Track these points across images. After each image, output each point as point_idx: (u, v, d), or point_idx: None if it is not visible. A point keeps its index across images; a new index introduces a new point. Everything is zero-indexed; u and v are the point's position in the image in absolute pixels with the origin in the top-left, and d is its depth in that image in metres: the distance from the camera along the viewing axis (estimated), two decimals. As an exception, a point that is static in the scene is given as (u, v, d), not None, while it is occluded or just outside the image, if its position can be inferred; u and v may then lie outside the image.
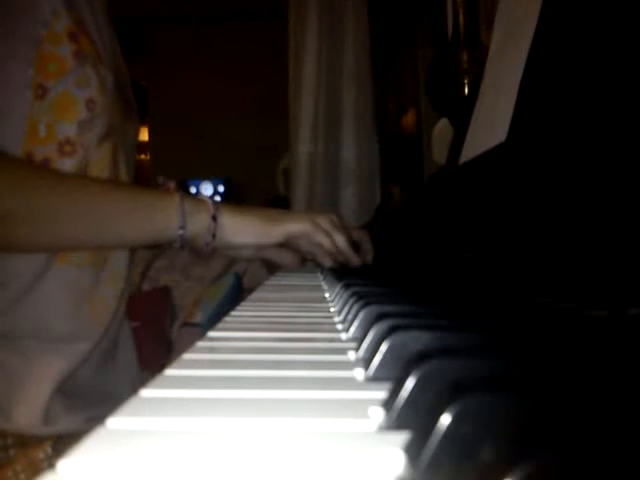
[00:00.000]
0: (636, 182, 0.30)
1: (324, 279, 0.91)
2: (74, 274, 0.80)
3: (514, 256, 0.47)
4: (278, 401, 0.26)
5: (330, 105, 2.08)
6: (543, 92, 0.53)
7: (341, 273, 0.86)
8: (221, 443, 0.21)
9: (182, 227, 0.74)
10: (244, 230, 0.79)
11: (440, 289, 0.68)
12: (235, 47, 3.99)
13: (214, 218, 0.76)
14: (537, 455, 0.14)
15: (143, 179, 3.24)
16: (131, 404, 0.25)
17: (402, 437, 0.20)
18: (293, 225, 0.82)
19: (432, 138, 1.26)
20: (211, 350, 0.38)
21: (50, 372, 0.78)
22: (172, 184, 0.90)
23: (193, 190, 4.09)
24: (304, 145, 2.09)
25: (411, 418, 0.22)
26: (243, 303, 0.62)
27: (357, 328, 0.41)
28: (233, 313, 0.54)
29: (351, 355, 0.36)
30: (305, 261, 0.96)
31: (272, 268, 1.34)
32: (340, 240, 0.85)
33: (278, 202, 2.91)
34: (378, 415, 0.23)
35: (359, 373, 0.31)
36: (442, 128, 1.14)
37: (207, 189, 4.11)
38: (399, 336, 0.30)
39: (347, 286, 0.60)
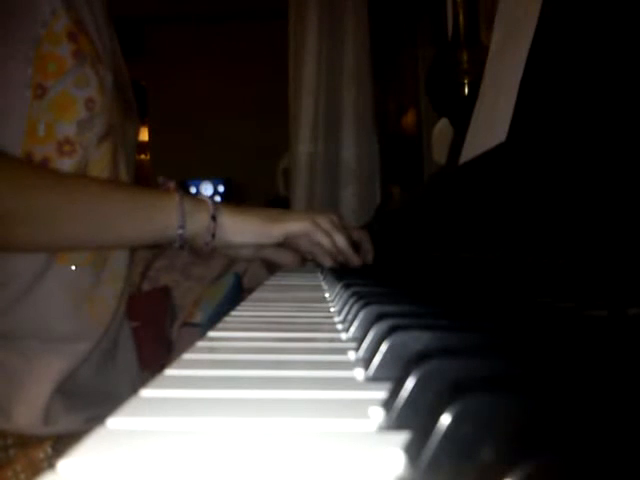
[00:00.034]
0: (636, 182, 0.30)
1: (324, 279, 0.91)
2: (74, 274, 0.80)
3: (514, 256, 0.47)
4: (278, 401, 0.26)
5: (330, 105, 2.08)
6: (543, 92, 0.53)
7: (341, 273, 0.86)
8: (221, 443, 0.21)
9: (182, 227, 0.74)
10: (244, 229, 0.80)
11: (440, 289, 0.68)
12: (235, 47, 3.99)
13: (214, 218, 0.76)
14: (537, 455, 0.14)
15: (143, 179, 3.24)
16: (131, 404, 0.25)
17: (402, 437, 0.20)
18: (293, 224, 0.82)
19: (432, 138, 1.26)
20: (211, 350, 0.38)
21: (50, 372, 0.78)
22: (172, 184, 0.90)
23: (193, 190, 4.09)
24: (304, 145, 2.09)
25: (411, 418, 0.22)
26: (243, 303, 0.62)
27: (357, 328, 0.41)
28: (233, 313, 0.54)
29: (351, 355, 0.36)
30: (305, 261, 0.96)
31: (272, 268, 1.34)
32: (340, 240, 0.85)
33: (278, 202, 2.91)
34: (378, 415, 0.23)
35: (359, 373, 0.31)
36: (442, 128, 1.14)
37: (207, 189, 4.11)
38: (399, 336, 0.30)
39: (347, 286, 0.60)
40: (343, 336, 0.42)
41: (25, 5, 0.75)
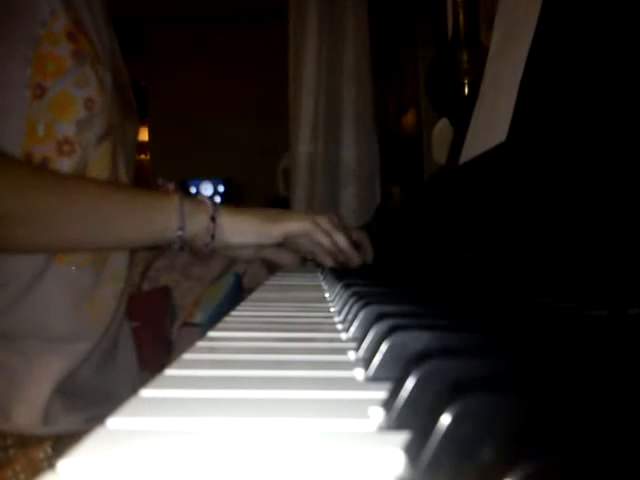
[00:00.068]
0: (636, 182, 0.30)
1: (324, 279, 0.91)
2: (74, 274, 0.80)
3: (514, 256, 0.47)
4: (278, 401, 0.26)
5: (330, 105, 2.08)
6: (543, 92, 0.53)
7: (341, 273, 0.86)
8: (221, 443, 0.21)
9: (181, 228, 0.74)
10: (243, 230, 0.79)
11: (440, 289, 0.68)
12: (235, 47, 3.99)
13: (213, 219, 0.76)
14: (537, 455, 0.14)
15: (143, 179, 3.24)
16: (131, 404, 0.25)
17: (402, 437, 0.20)
18: (292, 224, 0.82)
19: (432, 138, 1.26)
20: (211, 350, 0.38)
21: (50, 372, 0.78)
22: (171, 185, 0.90)
23: (193, 190, 4.09)
24: (304, 145, 2.09)
25: (411, 418, 0.22)
26: (243, 303, 0.62)
27: (357, 328, 0.41)
28: (233, 313, 0.54)
29: (351, 355, 0.36)
30: (305, 261, 0.96)
31: (272, 268, 1.34)
32: (340, 239, 0.85)
33: (278, 202, 2.91)
34: (378, 415, 0.23)
35: (359, 373, 0.31)
36: (442, 128, 1.14)
37: (207, 189, 4.11)
38: (399, 336, 0.30)
39: (347, 286, 0.60)
40: (343, 336, 0.42)
41: (24, 5, 0.75)
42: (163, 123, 4.04)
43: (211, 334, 0.43)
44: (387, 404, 0.23)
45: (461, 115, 0.87)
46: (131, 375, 0.94)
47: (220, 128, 3.95)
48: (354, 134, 2.07)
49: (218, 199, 4.08)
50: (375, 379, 0.29)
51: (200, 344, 0.39)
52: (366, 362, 0.31)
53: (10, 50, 0.74)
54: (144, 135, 4.03)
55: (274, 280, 0.95)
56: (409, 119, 2.10)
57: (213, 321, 0.96)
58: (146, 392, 0.27)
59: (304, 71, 2.08)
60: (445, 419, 0.18)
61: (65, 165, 0.77)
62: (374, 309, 0.41)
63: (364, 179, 2.09)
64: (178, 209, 0.74)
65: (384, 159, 2.19)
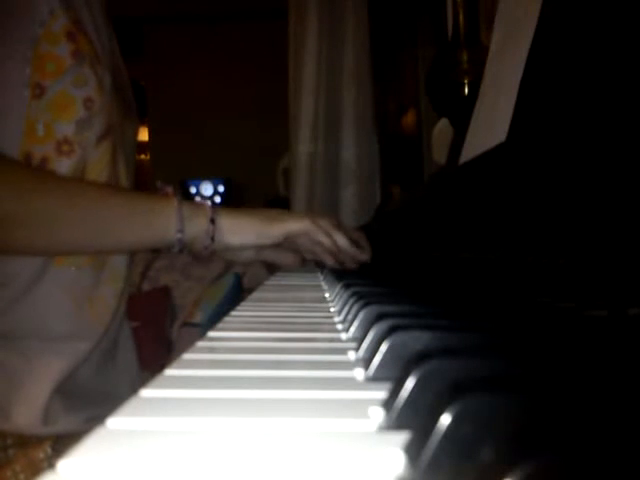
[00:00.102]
0: (636, 182, 0.30)
1: (324, 279, 0.91)
2: (73, 275, 0.80)
3: (514, 256, 0.47)
4: (278, 401, 0.26)
5: (330, 105, 2.08)
6: (543, 92, 0.53)
7: (341, 273, 0.86)
8: (221, 443, 0.21)
9: (180, 231, 0.74)
10: (243, 231, 0.79)
11: (440, 289, 0.68)
12: (235, 47, 3.99)
13: (212, 221, 0.76)
14: (537, 455, 0.14)
15: (142, 180, 3.24)
16: (131, 404, 0.25)
17: (402, 437, 0.20)
18: (292, 224, 0.82)
19: (432, 138, 1.26)
20: (211, 350, 0.38)
21: (50, 372, 0.78)
22: (170, 189, 0.90)
23: (193, 190, 4.09)
24: (304, 145, 2.09)
25: (411, 418, 0.22)
26: (243, 303, 0.62)
27: (357, 328, 0.42)
28: (233, 313, 0.54)
29: (351, 355, 0.36)
30: (305, 261, 0.96)
31: (272, 268, 1.34)
32: (340, 238, 0.85)
33: (278, 202, 2.91)
34: (378, 415, 0.23)
35: (359, 373, 0.31)
36: (442, 128, 1.14)
37: (207, 189, 4.11)
38: (399, 336, 0.30)
39: (347, 286, 0.60)
40: (343, 336, 0.42)
41: (23, 5, 0.75)
42: (163, 123, 4.04)
43: (211, 334, 0.43)
44: (387, 404, 0.23)
45: (461, 115, 0.87)
46: (131, 375, 0.93)
47: (220, 128, 3.95)
48: (354, 134, 2.07)
49: (218, 199, 4.08)
50: (375, 379, 0.29)
51: (200, 344, 0.39)
52: (366, 362, 0.31)
53: (9, 50, 0.74)
54: (144, 135, 4.03)
55: (274, 280, 0.95)
56: (409, 119, 2.10)
57: (213, 321, 0.96)
58: (146, 392, 0.27)
59: (304, 71, 2.08)
60: (445, 419, 0.18)
61: (64, 165, 0.77)
62: (374, 309, 0.41)
63: (364, 179, 2.09)
64: (177, 212, 0.74)
65: (384, 159, 2.19)
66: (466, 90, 0.96)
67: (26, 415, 0.76)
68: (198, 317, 1.80)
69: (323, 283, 0.86)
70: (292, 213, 0.91)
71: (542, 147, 0.42)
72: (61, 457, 0.19)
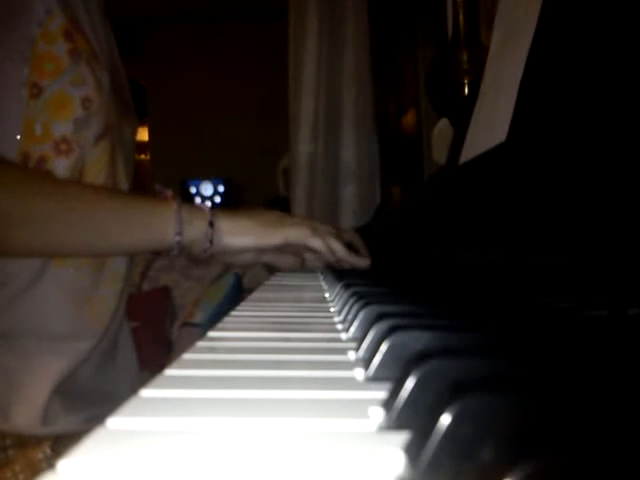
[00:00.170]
0: (636, 182, 0.30)
1: (324, 279, 0.91)
2: (73, 274, 0.80)
3: (514, 256, 0.47)
4: (278, 401, 0.26)
5: (330, 105, 2.08)
6: (543, 92, 0.53)
7: (341, 273, 0.86)
8: (221, 443, 0.21)
9: (179, 234, 0.74)
10: (242, 233, 0.79)
11: (440, 289, 0.68)
12: (235, 47, 3.99)
13: (211, 224, 0.76)
14: (537, 455, 0.14)
15: (142, 180, 3.24)
16: (131, 404, 0.25)
17: (402, 437, 0.20)
18: (291, 231, 0.82)
19: (432, 138, 1.26)
20: (211, 350, 0.38)
21: (49, 372, 0.78)
22: (169, 191, 0.90)
23: (193, 190, 4.09)
24: (304, 145, 2.09)
25: (411, 418, 0.22)
26: (243, 303, 0.62)
27: (357, 328, 0.41)
28: (233, 313, 0.54)
29: (351, 355, 0.35)
30: (305, 264, 0.96)
31: (272, 268, 1.35)
32: (338, 247, 0.85)
33: (278, 202, 2.91)
34: (378, 415, 0.23)
35: (359, 373, 0.31)
36: (442, 128, 1.14)
37: (207, 189, 4.11)
38: (399, 336, 0.30)
39: (347, 286, 0.60)
40: (343, 336, 0.42)
41: (20, 5, 0.75)
42: (163, 123, 4.04)
43: (211, 334, 0.42)
44: (387, 404, 0.23)
45: (461, 115, 0.87)
46: (131, 375, 0.93)
47: (220, 128, 3.95)
48: (354, 134, 2.07)
49: (218, 199, 4.08)
50: (375, 379, 0.29)
51: (200, 344, 0.39)
52: (366, 362, 0.31)
53: (7, 50, 0.74)
54: (144, 135, 4.03)
55: (274, 280, 0.95)
56: (409, 119, 2.10)
57: (213, 321, 0.96)
58: (146, 392, 0.27)
59: (304, 71, 2.08)
60: (445, 419, 0.18)
61: (62, 164, 0.77)
62: (374, 309, 0.41)
63: (364, 179, 2.09)
64: (176, 215, 0.74)
65: (384, 159, 2.19)
66: (466, 90, 0.96)
67: (25, 415, 0.76)
68: (198, 317, 1.80)
69: (323, 283, 0.86)
70: (292, 218, 0.90)
71: (542, 147, 0.42)
72: (60, 457, 0.19)
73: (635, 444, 0.14)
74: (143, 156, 4.10)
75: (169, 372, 0.31)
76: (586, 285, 0.35)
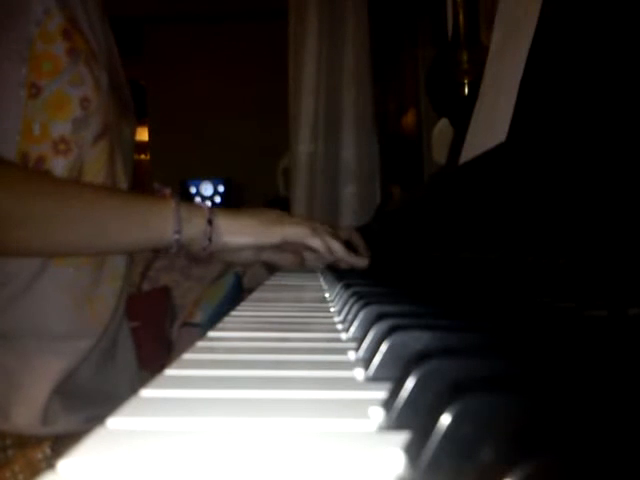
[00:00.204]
0: (636, 182, 0.30)
1: (324, 279, 0.91)
2: (72, 274, 0.80)
3: (514, 256, 0.47)
4: (278, 401, 0.26)
5: (330, 105, 2.08)
6: (543, 92, 0.53)
7: (341, 273, 0.86)
8: (221, 443, 0.21)
9: (178, 232, 0.74)
10: (241, 231, 0.79)
11: (440, 289, 0.68)
12: (235, 47, 3.99)
13: (210, 222, 0.76)
14: (537, 455, 0.14)
15: (141, 180, 3.24)
16: (131, 404, 0.25)
17: (402, 437, 0.20)
18: (290, 229, 0.82)
19: (432, 138, 1.26)
20: (211, 350, 0.38)
21: (49, 372, 0.78)
22: (168, 190, 0.90)
23: (193, 190, 4.08)
24: (304, 145, 2.09)
25: (411, 418, 0.22)
26: (243, 303, 0.62)
27: (357, 328, 0.41)
28: (233, 313, 0.54)
29: (351, 355, 0.36)
30: (305, 262, 0.96)
31: (272, 268, 1.35)
32: (337, 247, 0.85)
33: (278, 202, 2.91)
34: (378, 415, 0.23)
35: (359, 373, 0.31)
36: (442, 128, 1.14)
37: (207, 189, 4.11)
38: (399, 336, 0.30)
39: (347, 286, 0.60)
40: (343, 336, 0.42)
41: (18, 5, 0.75)
42: (163, 123, 4.04)
43: (211, 334, 0.43)
44: (387, 404, 0.23)
45: (461, 115, 0.87)
46: (130, 375, 0.93)
47: (220, 128, 3.95)
48: (354, 134, 2.07)
49: (218, 199, 4.08)
50: (375, 379, 0.29)
51: (200, 344, 0.39)
52: (366, 362, 0.31)
53: (6, 50, 0.74)
54: (144, 135, 4.03)
55: (274, 280, 0.95)
56: (409, 119, 2.10)
57: (213, 321, 0.96)
58: (146, 392, 0.27)
59: (304, 71, 2.08)
60: (445, 419, 0.18)
61: (61, 164, 0.77)
62: (374, 309, 0.41)
63: (364, 179, 2.09)
64: (175, 213, 0.74)
65: (384, 159, 2.19)
66: (466, 90, 0.96)
67: (25, 415, 0.76)
68: (198, 317, 1.80)
69: (323, 283, 0.86)
70: (291, 217, 0.90)
71: (542, 147, 0.42)
72: (60, 457, 0.19)
73: (635, 444, 0.14)
74: (143, 156, 4.10)
75: (169, 372, 0.31)
76: (586, 285, 0.35)
